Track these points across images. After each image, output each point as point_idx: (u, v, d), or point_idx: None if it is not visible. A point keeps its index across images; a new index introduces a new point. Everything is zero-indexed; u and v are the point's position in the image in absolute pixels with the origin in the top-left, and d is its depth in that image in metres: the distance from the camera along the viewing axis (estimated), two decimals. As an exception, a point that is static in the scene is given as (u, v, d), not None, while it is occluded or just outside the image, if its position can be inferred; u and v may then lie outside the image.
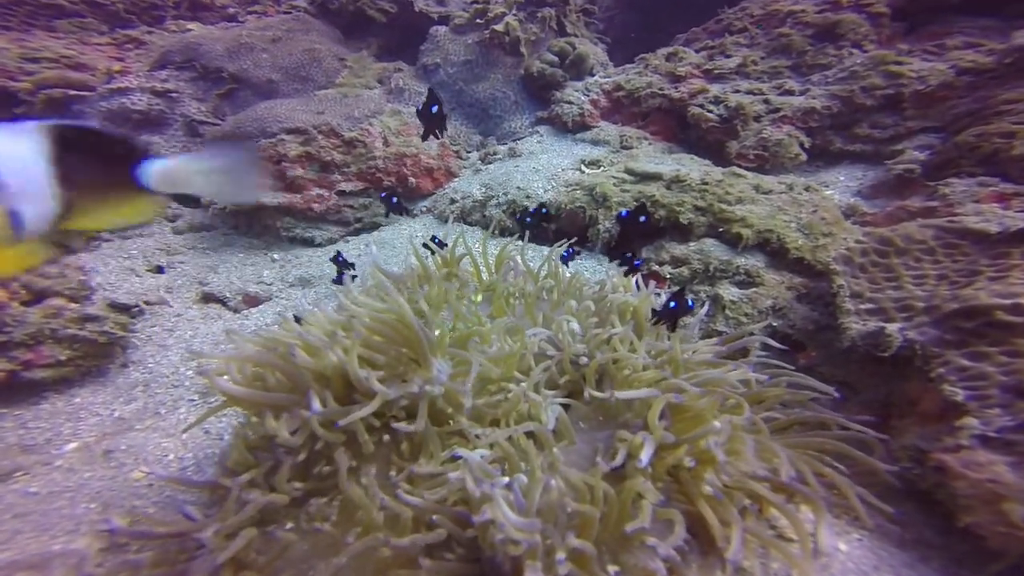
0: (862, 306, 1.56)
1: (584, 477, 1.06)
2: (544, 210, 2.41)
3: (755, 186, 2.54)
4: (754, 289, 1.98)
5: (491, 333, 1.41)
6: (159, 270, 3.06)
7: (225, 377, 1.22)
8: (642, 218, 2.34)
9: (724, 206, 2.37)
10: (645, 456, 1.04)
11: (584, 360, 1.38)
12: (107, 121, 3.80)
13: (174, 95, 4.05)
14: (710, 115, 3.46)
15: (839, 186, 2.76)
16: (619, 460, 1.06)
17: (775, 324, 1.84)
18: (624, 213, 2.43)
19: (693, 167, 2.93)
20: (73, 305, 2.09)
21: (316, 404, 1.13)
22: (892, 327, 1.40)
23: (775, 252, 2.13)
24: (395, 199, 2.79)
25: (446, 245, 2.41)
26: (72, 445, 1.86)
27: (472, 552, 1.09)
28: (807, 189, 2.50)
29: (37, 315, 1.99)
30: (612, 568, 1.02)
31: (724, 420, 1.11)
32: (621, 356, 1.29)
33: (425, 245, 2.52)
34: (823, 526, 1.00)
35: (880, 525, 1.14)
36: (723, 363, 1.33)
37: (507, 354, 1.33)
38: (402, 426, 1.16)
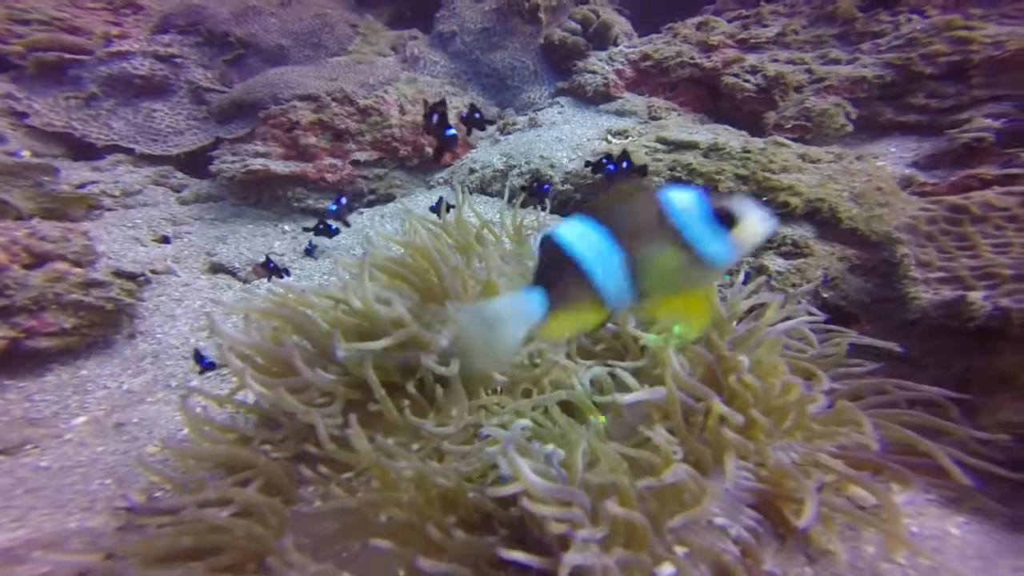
0: (931, 275, 1.43)
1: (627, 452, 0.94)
2: (627, 163, 2.27)
3: (801, 155, 2.39)
4: (802, 260, 1.85)
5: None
6: (165, 240, 2.94)
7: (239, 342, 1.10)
8: (625, 163, 2.27)
9: (768, 174, 2.22)
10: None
11: (613, 327, 1.26)
12: (106, 86, 3.63)
13: (178, 60, 3.88)
14: (747, 84, 3.27)
15: (890, 157, 2.59)
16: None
17: (825, 295, 1.72)
18: (611, 167, 2.33)
19: (731, 136, 2.76)
20: (77, 270, 1.98)
21: (340, 350, 1.01)
22: (975, 295, 1.27)
23: (825, 222, 1.99)
24: (343, 199, 2.71)
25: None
26: (81, 419, 1.77)
27: (517, 532, 0.99)
28: (859, 158, 2.34)
29: (40, 279, 1.88)
30: (680, 549, 0.91)
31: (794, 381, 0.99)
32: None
33: (433, 209, 2.40)
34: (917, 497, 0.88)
35: (979, 509, 1.03)
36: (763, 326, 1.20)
37: None
38: (430, 363, 1.03)
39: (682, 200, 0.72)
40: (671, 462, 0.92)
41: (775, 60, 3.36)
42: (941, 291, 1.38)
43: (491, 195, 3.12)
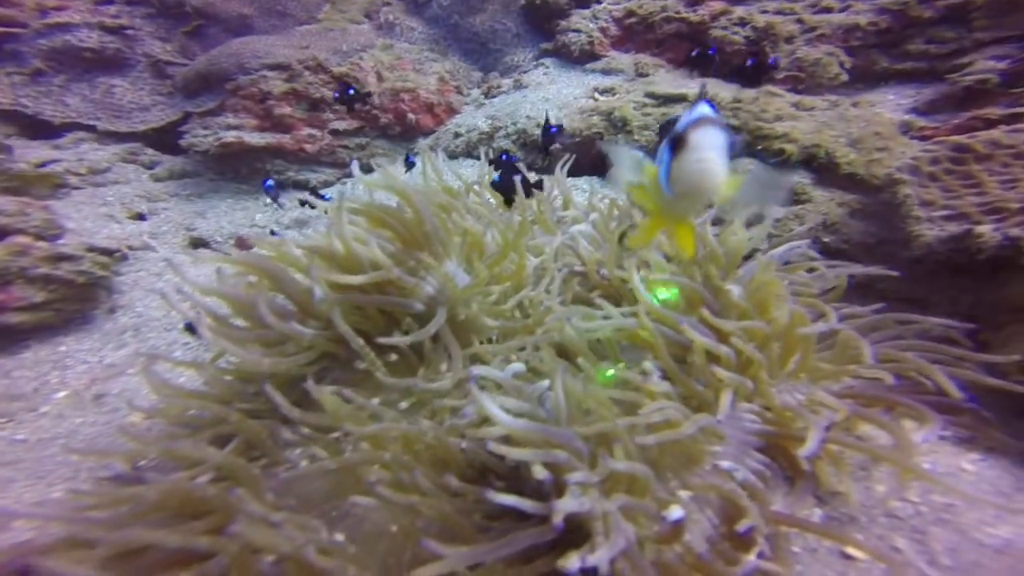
0: (935, 213, 1.39)
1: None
2: (553, 128, 2.18)
3: (795, 104, 2.31)
4: (800, 207, 1.80)
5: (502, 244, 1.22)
6: (140, 217, 2.82)
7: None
8: (552, 128, 2.19)
9: (761, 123, 2.15)
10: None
11: (604, 272, 1.21)
12: (51, 61, 3.41)
13: (129, 32, 3.64)
14: (735, 37, 3.15)
15: (888, 104, 2.52)
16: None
17: (826, 240, 1.67)
18: (552, 128, 2.26)
19: (721, 88, 2.67)
20: (41, 243, 1.88)
21: (319, 289, 0.95)
22: (983, 228, 1.23)
23: (823, 168, 1.93)
24: (267, 182, 2.64)
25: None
26: (62, 393, 1.71)
27: (514, 484, 0.95)
28: (855, 105, 2.28)
29: (1, 253, 1.78)
30: (684, 494, 0.88)
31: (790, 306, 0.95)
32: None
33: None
34: (932, 431, 0.85)
35: (993, 448, 1.00)
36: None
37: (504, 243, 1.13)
38: (397, 340, 0.98)
39: (693, 112, 0.73)
40: (654, 397, 0.88)
41: (764, 11, 3.24)
42: (947, 227, 1.35)
43: (477, 158, 3.01)
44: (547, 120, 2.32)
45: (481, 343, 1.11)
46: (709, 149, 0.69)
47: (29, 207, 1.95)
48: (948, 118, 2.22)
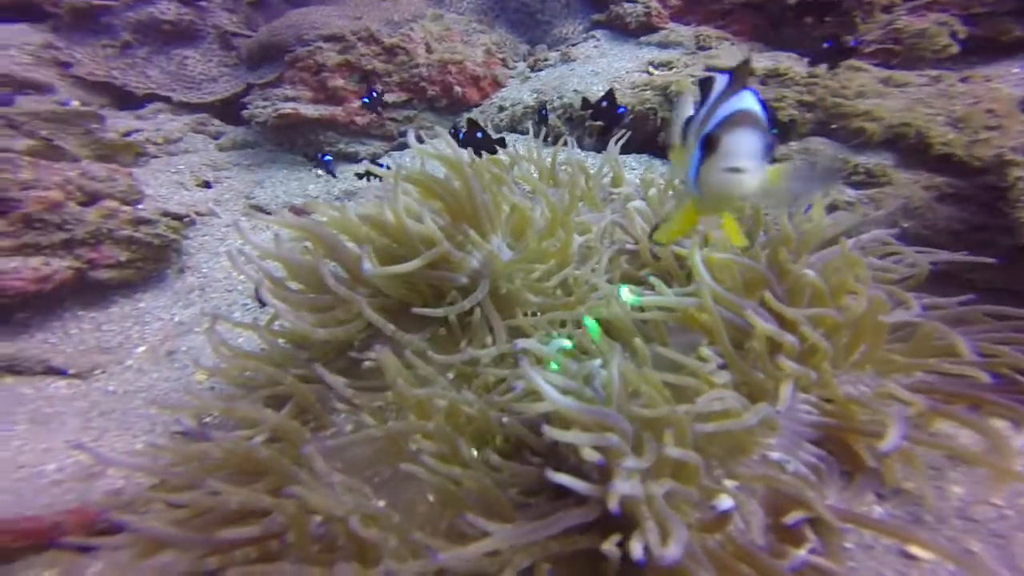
0: None
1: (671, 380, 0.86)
2: (621, 109, 2.05)
3: (883, 79, 2.07)
4: (877, 189, 1.63)
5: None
6: (207, 185, 3.01)
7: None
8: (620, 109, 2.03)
9: (840, 99, 1.95)
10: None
11: (656, 250, 1.16)
12: (137, 33, 3.63)
13: (202, 4, 3.80)
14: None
15: (1010, 79, 2.20)
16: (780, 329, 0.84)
17: (905, 224, 1.52)
18: (621, 109, 2.07)
19: (794, 63, 2.44)
20: (126, 207, 2.06)
21: (368, 263, 0.98)
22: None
23: (911, 149, 1.74)
24: (326, 156, 2.62)
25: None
26: (141, 348, 1.89)
27: (552, 460, 0.95)
28: (964, 80, 2.01)
29: (94, 215, 1.98)
30: (730, 483, 0.85)
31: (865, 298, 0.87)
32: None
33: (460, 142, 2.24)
34: None
35: None
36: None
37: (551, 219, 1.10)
38: (436, 311, 0.99)
39: (733, 102, 0.68)
40: (712, 385, 0.84)
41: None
42: None
43: (522, 133, 2.96)
44: (611, 96, 2.17)
45: (524, 315, 1.11)
46: (743, 156, 0.63)
47: (116, 173, 2.13)
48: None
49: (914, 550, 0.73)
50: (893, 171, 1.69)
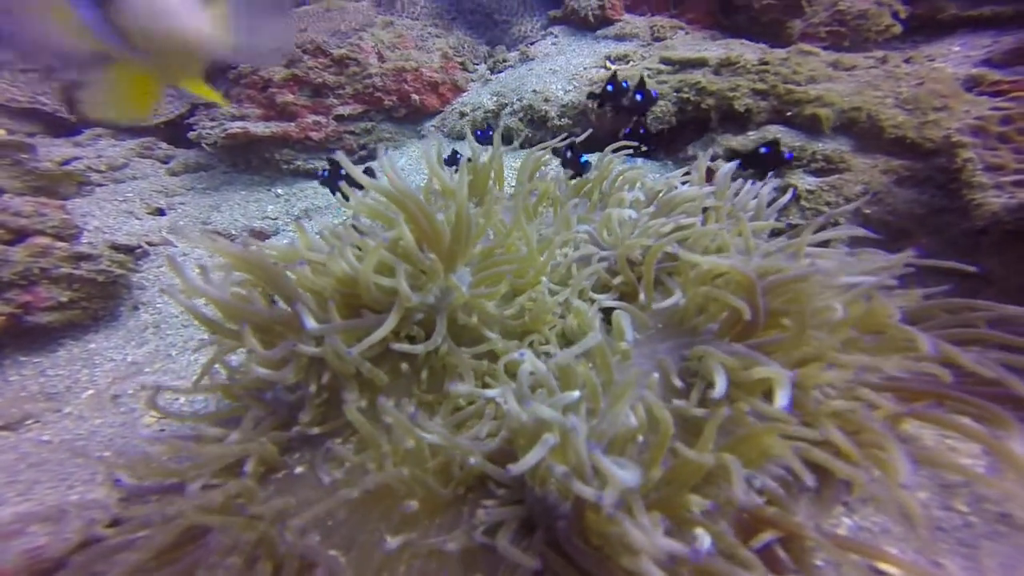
0: (1004, 179, 1.23)
1: (657, 406, 0.83)
2: (643, 94, 1.90)
3: (832, 63, 2.09)
4: (837, 176, 1.64)
5: (514, 241, 1.14)
6: (160, 212, 2.86)
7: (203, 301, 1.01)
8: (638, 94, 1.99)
9: (792, 87, 1.96)
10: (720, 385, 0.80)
11: (639, 254, 1.12)
12: (60, 57, 3.44)
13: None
14: (764, -12, 2.87)
15: (953, 57, 2.24)
16: (722, 387, 0.81)
17: (867, 211, 1.52)
18: (640, 94, 2.05)
19: (746, 49, 2.45)
20: (61, 243, 1.92)
21: (309, 320, 0.92)
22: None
23: (865, 133, 1.75)
24: (326, 173, 2.47)
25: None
26: (88, 392, 1.77)
27: (515, 492, 0.90)
28: (907, 60, 2.04)
29: (22, 253, 1.84)
30: (697, 499, 0.81)
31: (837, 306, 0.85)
32: (693, 233, 1.01)
33: (447, 161, 2.17)
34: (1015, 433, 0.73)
35: None
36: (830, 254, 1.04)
37: (525, 256, 1.07)
38: (410, 347, 0.94)
39: None
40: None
41: (800, -45, 2.92)
42: (1018, 194, 1.19)
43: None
44: (642, 83, 2.02)
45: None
46: None
47: (45, 207, 1.98)
48: (1031, 68, 1.95)
49: (883, 566, 0.72)
50: (851, 156, 1.70)
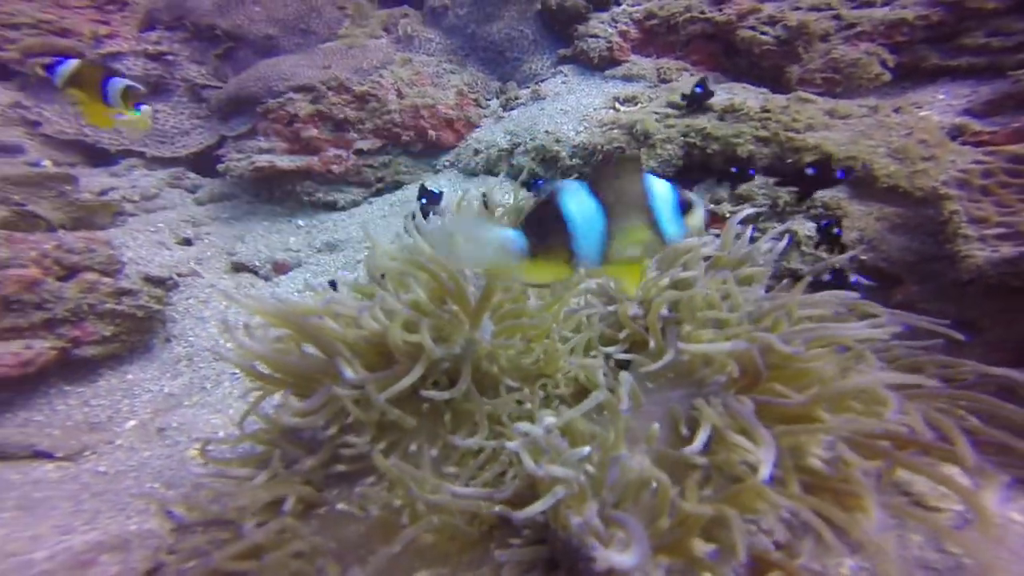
0: (988, 231, 1.34)
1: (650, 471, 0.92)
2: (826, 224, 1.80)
3: (828, 111, 2.24)
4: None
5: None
6: (187, 242, 3.02)
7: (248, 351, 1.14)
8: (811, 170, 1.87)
9: (792, 134, 2.10)
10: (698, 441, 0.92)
11: (636, 310, 1.24)
12: None
13: (169, 58, 3.85)
14: (765, 37, 3.04)
15: (937, 105, 2.38)
16: (699, 443, 0.93)
17: (863, 257, 1.64)
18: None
19: (748, 95, 2.60)
20: (107, 279, 2.07)
21: (348, 371, 1.03)
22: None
23: (860, 181, 1.88)
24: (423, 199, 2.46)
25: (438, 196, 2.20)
26: (131, 423, 1.90)
27: (537, 533, 1.01)
28: (897, 110, 2.18)
29: (73, 290, 1.99)
30: (705, 547, 0.92)
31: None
32: (693, 294, 1.13)
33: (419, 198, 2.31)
34: (990, 485, 0.82)
35: None
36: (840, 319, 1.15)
37: (538, 308, 1.19)
38: (436, 394, 1.06)
39: (661, 188, 0.87)
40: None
41: (797, 7, 3.09)
42: (1001, 248, 1.30)
43: (497, 175, 3.06)
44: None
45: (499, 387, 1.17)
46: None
47: (94, 243, 2.14)
48: (1008, 120, 2.08)
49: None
50: (847, 203, 1.83)
